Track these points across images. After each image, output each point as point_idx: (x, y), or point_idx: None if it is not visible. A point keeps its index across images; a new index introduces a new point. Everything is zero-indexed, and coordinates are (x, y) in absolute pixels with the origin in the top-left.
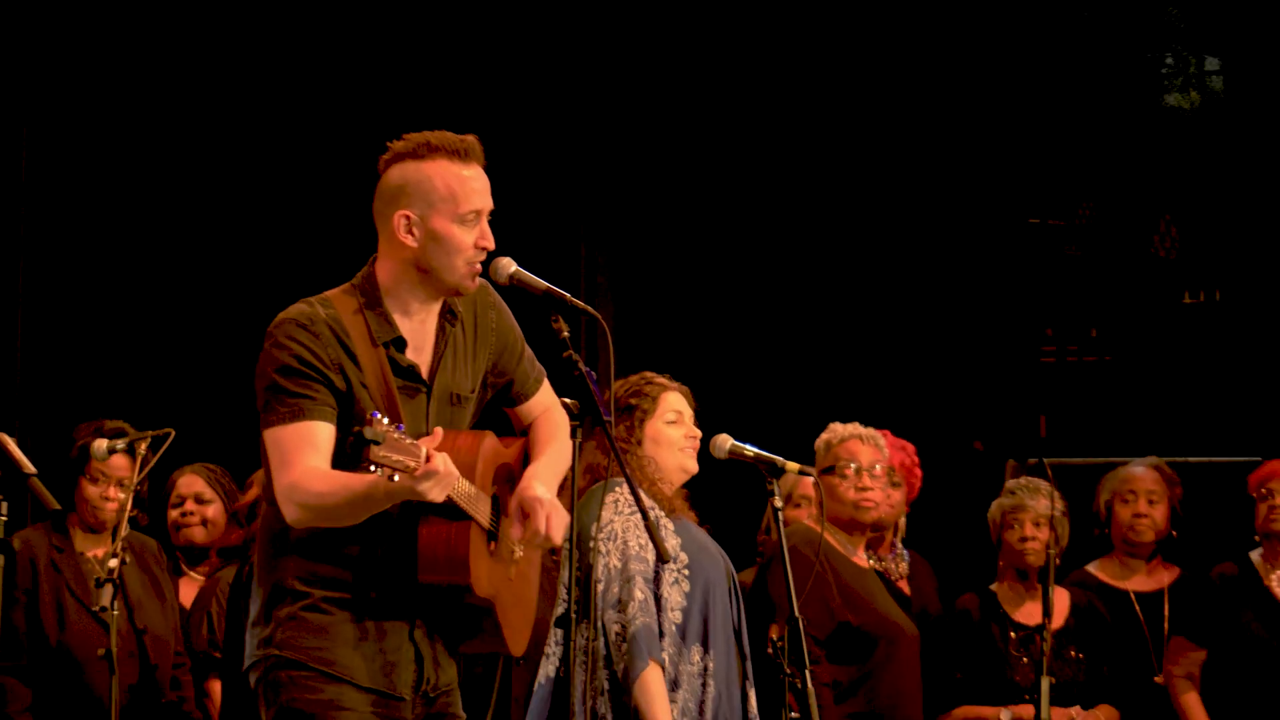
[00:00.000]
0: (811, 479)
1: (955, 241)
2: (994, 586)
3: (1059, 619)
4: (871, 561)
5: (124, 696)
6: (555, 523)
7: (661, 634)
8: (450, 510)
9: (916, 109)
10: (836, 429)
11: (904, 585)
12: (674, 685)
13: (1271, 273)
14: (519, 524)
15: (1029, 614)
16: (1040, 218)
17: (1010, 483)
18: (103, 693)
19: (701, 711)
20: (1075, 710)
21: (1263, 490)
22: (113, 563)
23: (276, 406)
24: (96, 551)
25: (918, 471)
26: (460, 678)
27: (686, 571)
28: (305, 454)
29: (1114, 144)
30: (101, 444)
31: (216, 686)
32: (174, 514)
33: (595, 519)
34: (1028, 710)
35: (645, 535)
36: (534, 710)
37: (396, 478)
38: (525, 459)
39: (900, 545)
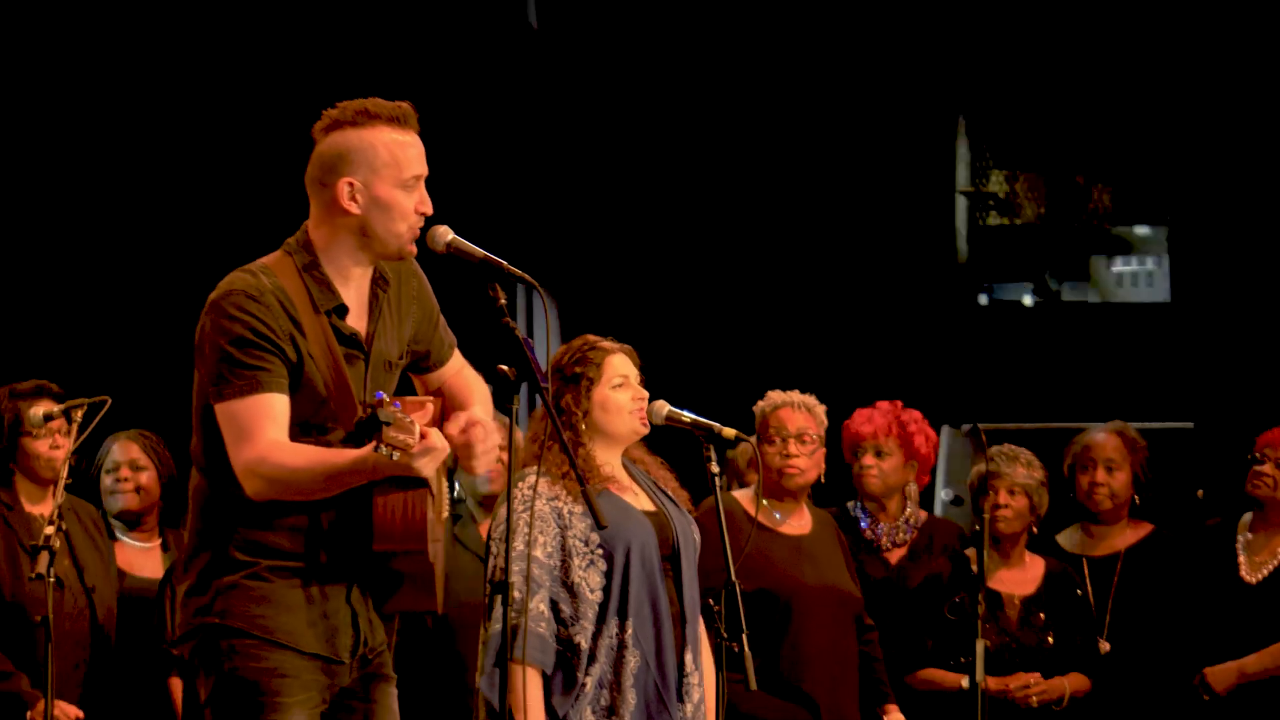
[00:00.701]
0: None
1: (890, 209)
2: (968, 551)
3: (1030, 586)
4: (869, 534)
5: (76, 652)
6: (484, 453)
7: (576, 618)
8: (407, 479)
9: (850, 80)
10: (772, 397)
11: (896, 553)
12: (591, 659)
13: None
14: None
15: (1000, 580)
16: (974, 185)
17: (994, 449)
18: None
19: (620, 680)
20: (1034, 676)
21: (1260, 453)
22: (48, 529)
23: (231, 379)
24: (41, 509)
25: (918, 439)
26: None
27: (600, 551)
28: (266, 427)
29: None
30: (38, 411)
31: (176, 684)
32: (107, 480)
33: (494, 517)
34: (990, 680)
35: (537, 529)
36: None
37: (396, 456)
38: (442, 418)
39: (911, 511)
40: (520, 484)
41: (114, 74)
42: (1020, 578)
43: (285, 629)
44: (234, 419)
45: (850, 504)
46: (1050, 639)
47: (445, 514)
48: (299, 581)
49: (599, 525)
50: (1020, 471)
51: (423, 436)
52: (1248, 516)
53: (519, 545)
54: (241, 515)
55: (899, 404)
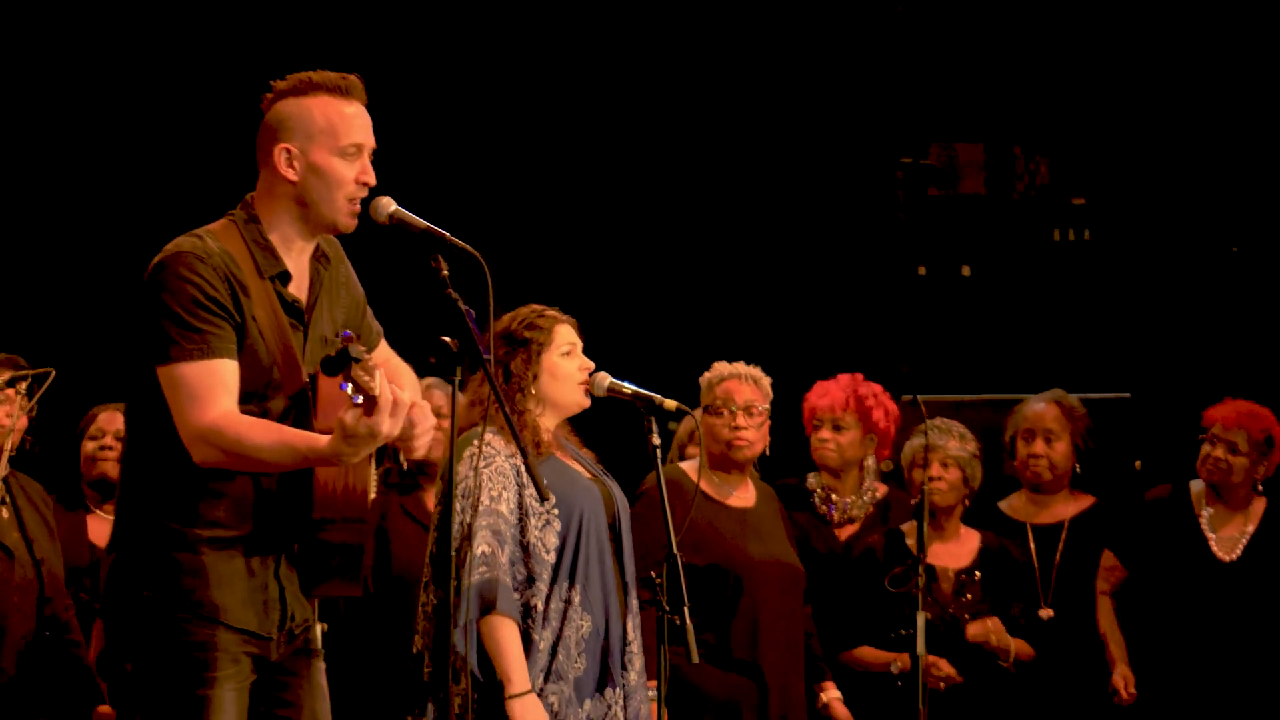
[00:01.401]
0: (689, 415)
1: (830, 181)
2: (905, 526)
3: (965, 559)
4: (823, 507)
5: (24, 624)
6: (423, 434)
7: (533, 579)
8: None
9: (788, 52)
10: (718, 368)
11: (850, 529)
12: (544, 621)
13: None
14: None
15: (934, 554)
16: (913, 158)
17: (927, 421)
18: None
19: (564, 643)
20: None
21: (1209, 435)
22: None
23: (180, 342)
24: None
25: (877, 413)
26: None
27: (556, 511)
28: (219, 394)
29: (985, 83)
30: None
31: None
32: (90, 446)
33: (454, 475)
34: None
35: (500, 485)
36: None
37: (360, 399)
38: None
39: (870, 485)
40: (474, 441)
41: (70, 39)
42: (955, 551)
43: (218, 603)
44: (184, 383)
45: (809, 477)
46: (982, 612)
47: (373, 495)
48: (235, 554)
49: (541, 497)
50: (953, 445)
51: (383, 389)
52: (1197, 487)
53: (485, 500)
54: (177, 484)
55: (859, 377)
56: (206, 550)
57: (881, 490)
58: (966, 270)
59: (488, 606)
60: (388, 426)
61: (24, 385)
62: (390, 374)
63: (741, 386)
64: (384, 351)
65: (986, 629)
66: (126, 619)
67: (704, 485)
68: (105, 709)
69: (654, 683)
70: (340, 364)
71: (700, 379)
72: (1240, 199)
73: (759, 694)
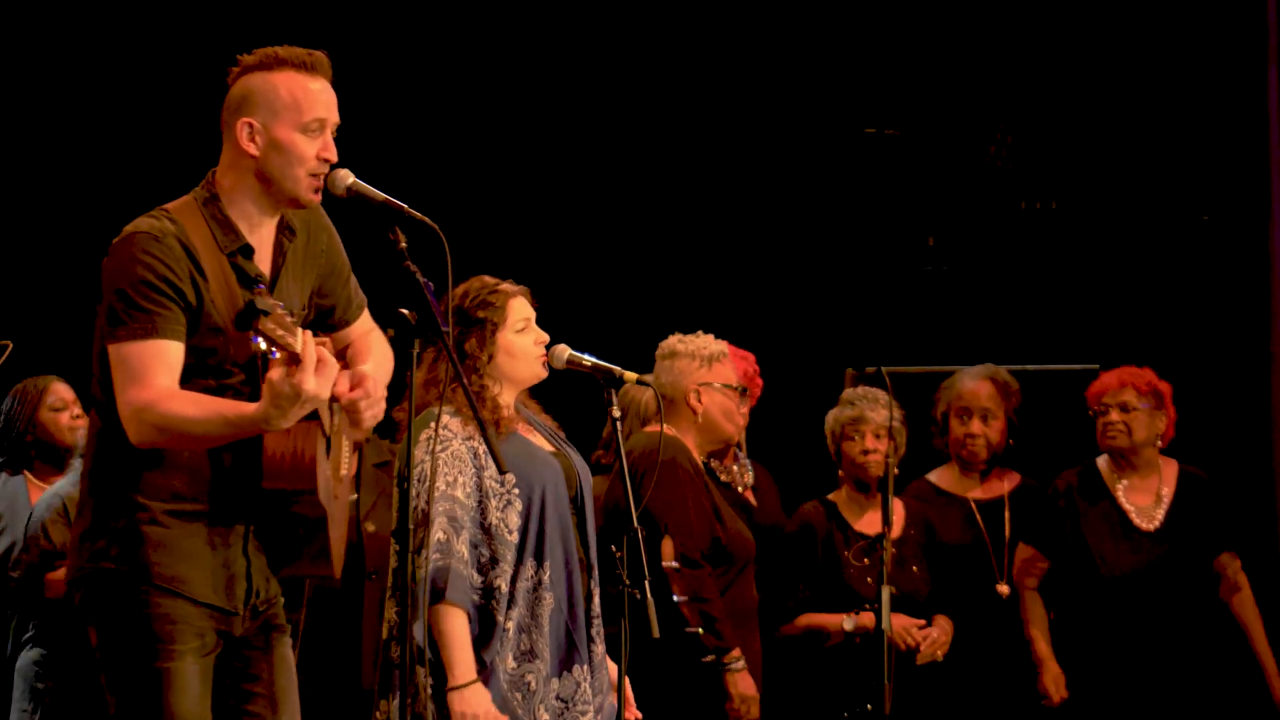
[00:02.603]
0: (649, 387)
1: (793, 150)
2: (833, 496)
3: (896, 528)
4: (724, 476)
5: None
6: (361, 396)
7: (496, 560)
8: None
9: (758, 18)
10: (718, 344)
11: (749, 495)
12: (510, 603)
13: (1106, 180)
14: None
15: (870, 523)
16: (876, 127)
17: (848, 393)
18: None
19: (539, 623)
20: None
21: (1099, 405)
22: None
23: (126, 321)
24: None
25: (759, 381)
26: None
27: (516, 491)
28: (158, 373)
29: (949, 52)
30: None
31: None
32: (63, 417)
33: (410, 459)
34: (869, 618)
35: (455, 469)
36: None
37: (277, 354)
38: None
39: (743, 456)
40: (431, 424)
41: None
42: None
43: (181, 577)
44: (125, 362)
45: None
46: (924, 583)
47: (346, 472)
48: (198, 528)
49: (500, 469)
50: (883, 414)
51: (305, 345)
52: (1104, 462)
53: (440, 486)
54: (138, 458)
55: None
56: (169, 523)
57: (748, 462)
58: (931, 240)
59: (438, 594)
60: (312, 385)
61: None
62: (362, 349)
63: (740, 366)
64: (364, 324)
65: (928, 643)
66: (89, 591)
67: (698, 458)
68: None
69: (739, 650)
70: (248, 317)
71: (685, 345)
72: (1210, 167)
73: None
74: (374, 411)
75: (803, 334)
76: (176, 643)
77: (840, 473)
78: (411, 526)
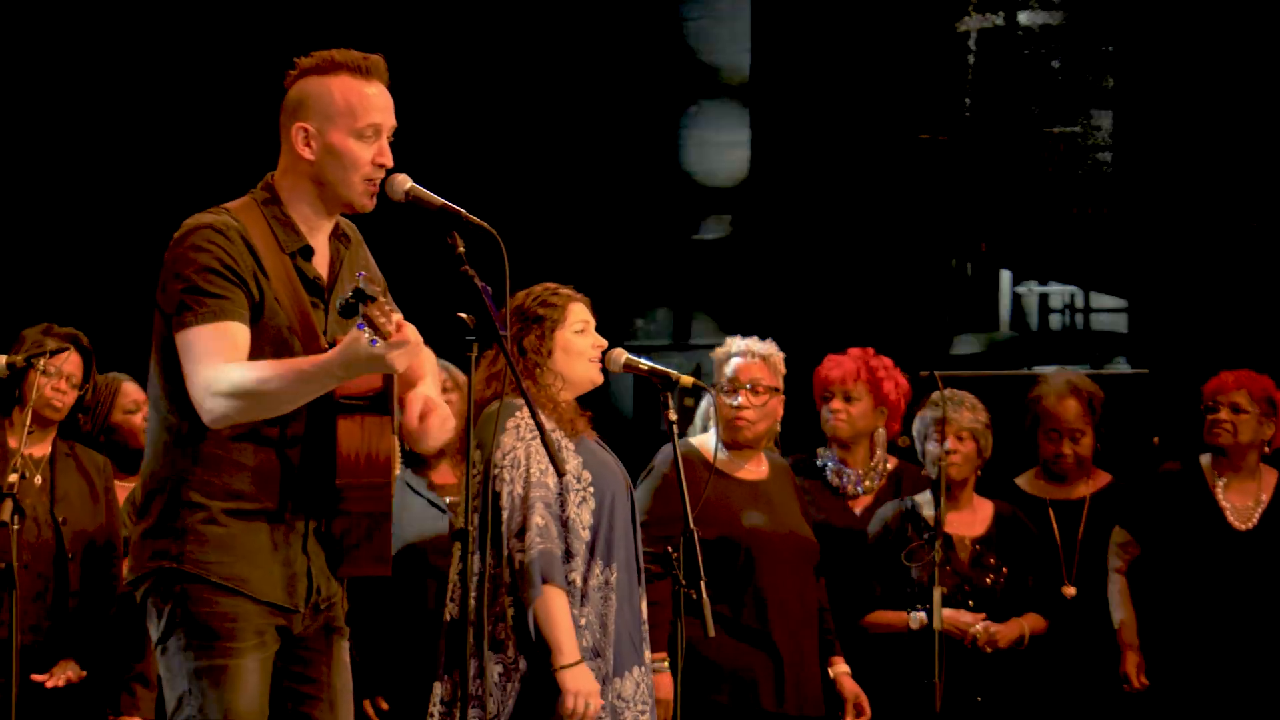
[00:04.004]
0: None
1: (849, 156)
2: (917, 497)
3: (980, 528)
4: (836, 479)
5: (36, 584)
6: (435, 424)
7: (572, 554)
8: (372, 404)
9: (808, 25)
10: (728, 343)
11: (863, 500)
12: (583, 600)
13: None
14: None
15: (950, 523)
16: (930, 133)
17: (937, 394)
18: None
19: (605, 624)
20: (980, 618)
21: (1211, 402)
22: (12, 477)
23: (194, 307)
24: (32, 451)
25: (887, 385)
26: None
27: (591, 489)
28: (226, 351)
29: (1001, 58)
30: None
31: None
32: (135, 420)
33: (498, 445)
34: (946, 613)
35: (545, 459)
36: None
37: (377, 343)
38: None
39: (880, 457)
40: (517, 413)
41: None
42: (970, 520)
43: (241, 576)
44: (193, 346)
45: (820, 450)
46: (1002, 579)
47: (397, 471)
48: (259, 527)
49: (559, 473)
50: (966, 416)
51: (399, 327)
52: (1206, 460)
53: (535, 473)
54: (197, 457)
55: (870, 350)
56: (230, 522)
57: (892, 463)
58: (984, 246)
59: (544, 578)
60: (401, 363)
61: (41, 361)
62: None
63: (748, 365)
64: None
65: (990, 635)
66: (150, 589)
67: (717, 459)
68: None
69: (663, 654)
70: (357, 301)
71: (714, 355)
72: (1261, 174)
73: (773, 666)
74: (444, 436)
75: (856, 337)
76: (236, 640)
77: (923, 473)
78: (507, 511)
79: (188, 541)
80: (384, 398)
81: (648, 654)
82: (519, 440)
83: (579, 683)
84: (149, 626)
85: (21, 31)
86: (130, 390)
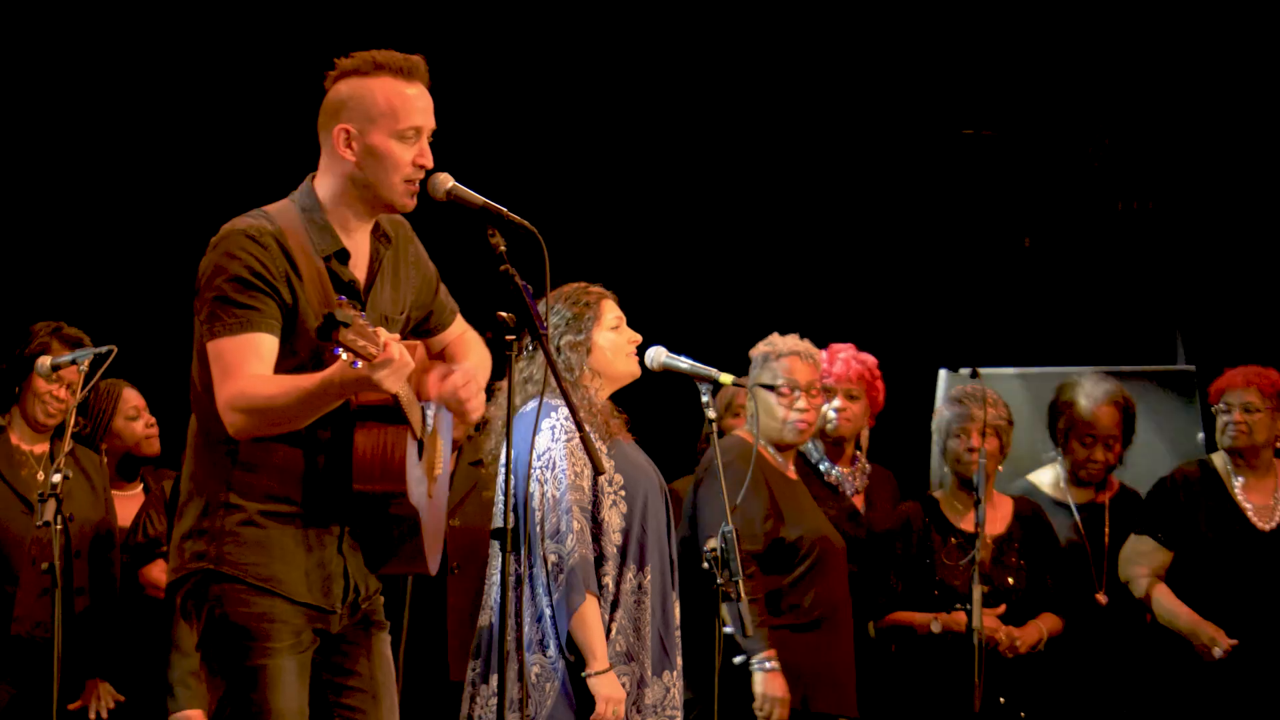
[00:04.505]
0: (745, 389)
1: (890, 152)
2: (935, 493)
3: (1001, 525)
4: (833, 475)
5: (44, 580)
6: (475, 395)
7: (604, 559)
8: (387, 414)
9: (852, 20)
10: (777, 342)
11: (858, 500)
12: (614, 605)
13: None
14: (439, 384)
15: (971, 522)
16: (974, 129)
17: (957, 390)
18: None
19: (638, 627)
20: (1001, 626)
21: (1222, 403)
22: (56, 478)
23: (223, 317)
24: (34, 448)
25: (879, 385)
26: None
27: (623, 492)
28: (250, 363)
29: (1048, 54)
30: (45, 361)
31: (156, 567)
32: (137, 427)
33: (533, 446)
34: (960, 617)
35: (581, 462)
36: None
37: (359, 364)
38: None
39: (862, 459)
40: (552, 414)
41: (147, 18)
42: (991, 517)
43: (277, 576)
44: (220, 356)
45: (806, 448)
46: (1023, 579)
47: (440, 472)
48: (294, 528)
49: (598, 470)
50: (990, 413)
51: (385, 346)
52: (1220, 460)
53: (570, 476)
54: (234, 459)
55: (852, 347)
56: (265, 523)
57: (867, 465)
58: (1028, 241)
59: (582, 584)
60: (389, 383)
61: (87, 362)
62: (459, 349)
63: (803, 365)
64: (459, 326)
65: (1012, 639)
66: (189, 591)
67: (770, 459)
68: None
69: (772, 651)
70: (328, 329)
71: (754, 350)
72: None
73: (831, 667)
74: (475, 401)
75: (899, 334)
76: (274, 640)
77: (945, 469)
78: (540, 513)
79: (225, 543)
80: (399, 406)
81: (679, 658)
82: (554, 441)
83: (611, 688)
84: (187, 628)
85: (51, 30)
86: (131, 397)
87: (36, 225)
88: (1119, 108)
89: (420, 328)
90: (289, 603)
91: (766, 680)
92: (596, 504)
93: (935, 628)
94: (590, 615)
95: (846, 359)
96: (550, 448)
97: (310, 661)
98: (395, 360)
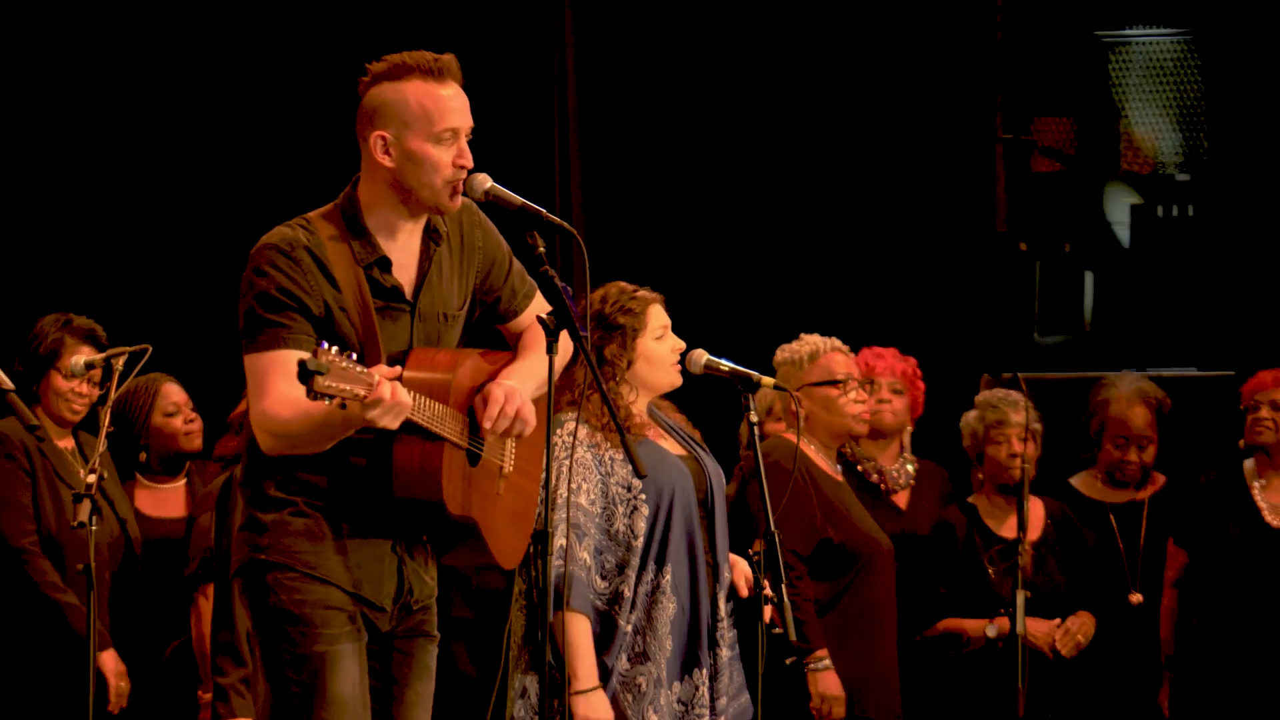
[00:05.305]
0: (785, 393)
1: (927, 156)
2: (973, 499)
3: (1036, 530)
4: (874, 475)
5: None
6: (510, 409)
7: (623, 567)
8: (423, 429)
9: (885, 22)
10: (814, 341)
11: (900, 498)
12: (631, 607)
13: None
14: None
15: (1011, 528)
16: (1013, 133)
17: (986, 395)
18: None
19: (652, 625)
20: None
21: (1251, 402)
22: (91, 478)
23: (255, 334)
24: (63, 444)
25: (920, 385)
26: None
27: (643, 496)
28: (278, 381)
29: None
30: (78, 360)
31: (204, 601)
32: (176, 423)
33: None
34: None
35: (580, 477)
36: None
37: (346, 406)
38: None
39: (906, 455)
40: (559, 430)
41: (183, 18)
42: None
43: (329, 565)
44: (253, 373)
45: (850, 449)
46: (1063, 583)
47: (511, 468)
48: (344, 522)
49: (639, 474)
50: (1025, 416)
51: (375, 387)
52: (1250, 464)
53: (563, 492)
54: (283, 457)
55: (894, 350)
56: (312, 513)
57: (914, 462)
58: (1068, 246)
59: (561, 601)
60: (384, 422)
61: (120, 361)
62: (526, 339)
63: (846, 360)
64: (531, 315)
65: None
66: (247, 581)
67: (817, 460)
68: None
69: (824, 650)
70: (303, 377)
71: (786, 352)
72: None
73: (878, 674)
74: (518, 429)
75: (938, 339)
76: (330, 627)
77: (980, 475)
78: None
79: (274, 532)
80: (418, 427)
81: (723, 652)
82: (553, 460)
83: (589, 709)
84: (247, 618)
85: (82, 30)
86: (171, 392)
87: (80, 221)
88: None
89: (494, 312)
90: (341, 592)
91: (822, 679)
92: (609, 515)
93: (990, 632)
94: (571, 632)
95: (881, 354)
96: (550, 464)
97: (366, 652)
98: (385, 400)
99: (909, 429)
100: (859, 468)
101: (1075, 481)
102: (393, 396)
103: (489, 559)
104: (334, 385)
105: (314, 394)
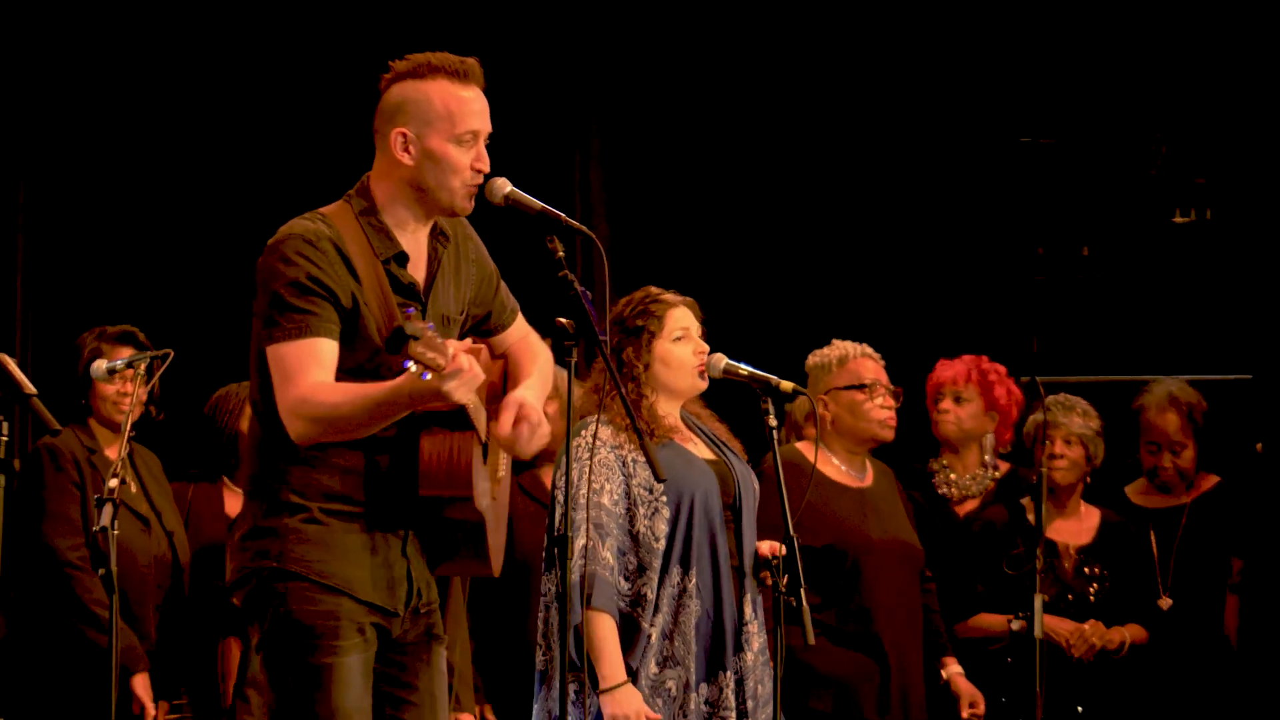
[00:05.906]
0: (806, 397)
1: (946, 160)
2: (1023, 500)
3: (1086, 535)
4: (944, 488)
5: (157, 594)
6: (526, 432)
7: (644, 568)
8: (454, 420)
9: (910, 28)
10: (844, 347)
11: (964, 507)
12: (656, 609)
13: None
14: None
15: (1056, 530)
16: (1031, 136)
17: (1050, 398)
18: (134, 598)
19: (680, 628)
20: (1089, 624)
21: None
22: (113, 483)
23: (282, 323)
24: (111, 453)
25: (998, 389)
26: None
27: (664, 499)
28: (311, 369)
29: (1105, 61)
30: (101, 364)
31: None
32: None
33: (557, 465)
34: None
35: (603, 477)
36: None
37: (428, 376)
38: (504, 380)
39: (991, 463)
40: (583, 432)
41: (199, 22)
42: (1076, 528)
43: (342, 575)
44: (281, 362)
45: (931, 461)
46: (1105, 589)
47: (503, 474)
48: (357, 527)
49: (658, 478)
50: (1076, 421)
51: (454, 358)
52: None
53: (584, 492)
54: (296, 459)
55: (983, 357)
56: (328, 521)
57: (1004, 468)
58: (1086, 250)
59: (585, 600)
60: (459, 394)
61: (143, 365)
62: (521, 355)
63: (875, 365)
64: (519, 329)
65: (1086, 641)
66: (252, 590)
67: (823, 466)
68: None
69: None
70: (398, 342)
71: (817, 357)
72: None
73: (878, 674)
74: (536, 444)
75: (958, 343)
76: (340, 638)
77: (1033, 478)
78: (557, 532)
79: (289, 541)
80: (466, 413)
81: (749, 655)
82: (575, 460)
83: (618, 706)
84: (249, 631)
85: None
86: None
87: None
88: (1177, 116)
89: (480, 327)
90: (354, 601)
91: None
92: (631, 517)
93: (1015, 625)
94: (595, 631)
95: (949, 363)
96: (571, 466)
97: (373, 663)
98: (464, 371)
99: (990, 436)
100: (933, 479)
101: (1129, 490)
102: (470, 368)
103: (485, 568)
104: (423, 353)
105: (406, 360)
